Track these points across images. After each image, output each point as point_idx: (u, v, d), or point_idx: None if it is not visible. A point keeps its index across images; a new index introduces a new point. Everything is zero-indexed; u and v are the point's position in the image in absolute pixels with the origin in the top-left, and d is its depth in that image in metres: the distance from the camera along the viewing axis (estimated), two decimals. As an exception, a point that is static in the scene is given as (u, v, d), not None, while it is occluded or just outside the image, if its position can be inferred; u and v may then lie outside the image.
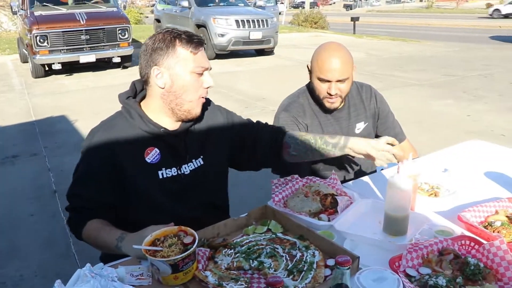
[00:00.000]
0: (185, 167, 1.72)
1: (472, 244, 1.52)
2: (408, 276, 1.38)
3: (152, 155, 1.66)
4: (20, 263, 3.08)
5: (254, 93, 8.06)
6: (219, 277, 1.35)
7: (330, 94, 2.14)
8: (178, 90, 1.61)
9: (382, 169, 2.27)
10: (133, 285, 1.30)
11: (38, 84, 9.06)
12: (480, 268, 1.39)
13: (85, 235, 1.63)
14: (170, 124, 1.70)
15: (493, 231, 1.64)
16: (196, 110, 1.66)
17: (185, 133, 1.73)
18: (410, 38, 16.98)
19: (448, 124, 6.04)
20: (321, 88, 2.13)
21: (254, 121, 1.99)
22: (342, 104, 2.30)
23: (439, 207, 1.87)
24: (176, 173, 1.70)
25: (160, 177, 1.67)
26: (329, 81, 2.09)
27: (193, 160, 1.75)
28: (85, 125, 5.83)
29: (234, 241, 1.55)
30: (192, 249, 1.33)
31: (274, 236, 1.58)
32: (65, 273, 3.05)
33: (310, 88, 2.30)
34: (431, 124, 6.03)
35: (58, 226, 3.51)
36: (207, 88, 1.65)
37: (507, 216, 1.73)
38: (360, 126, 2.35)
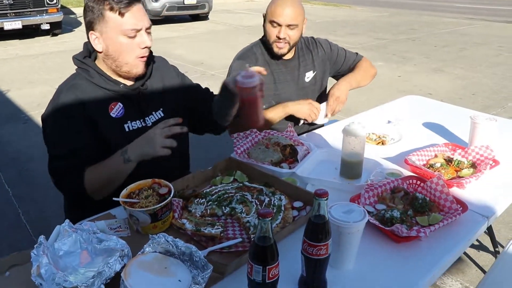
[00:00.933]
0: (147, 119, 1.77)
1: (418, 182, 1.70)
2: (367, 212, 1.52)
3: (116, 109, 1.69)
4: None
5: (192, 58, 8.00)
6: (195, 223, 1.42)
7: (279, 38, 2.26)
8: (113, 53, 1.63)
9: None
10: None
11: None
12: (426, 202, 1.57)
13: (88, 182, 1.59)
14: (126, 80, 1.74)
15: (434, 171, 1.82)
16: (137, 70, 1.68)
17: (143, 87, 1.76)
18: (341, 3, 17.32)
19: (382, 85, 6.35)
20: (272, 32, 2.25)
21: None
22: (292, 55, 2.44)
23: (386, 154, 2.03)
24: (141, 125, 1.74)
25: (126, 130, 1.70)
26: (279, 25, 2.22)
27: (154, 112, 1.80)
28: (20, 94, 5.56)
29: (204, 191, 1.62)
30: (169, 198, 1.38)
31: (241, 184, 1.67)
32: (18, 244, 3.04)
33: (263, 40, 2.41)
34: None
35: (3, 197, 3.40)
36: (144, 48, 1.65)
37: (444, 159, 1.93)
38: (309, 75, 2.50)
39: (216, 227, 1.40)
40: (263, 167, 1.77)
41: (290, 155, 1.90)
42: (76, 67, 1.72)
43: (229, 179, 1.71)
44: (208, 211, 1.51)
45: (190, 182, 1.68)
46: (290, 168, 1.81)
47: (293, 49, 2.40)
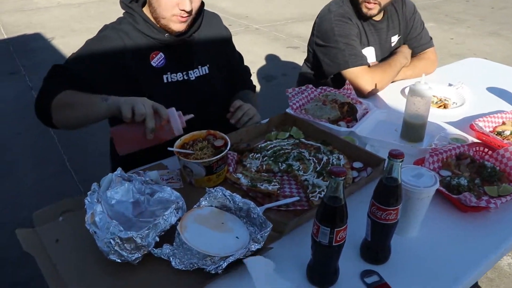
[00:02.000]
0: (191, 73, 1.69)
1: (486, 150, 1.58)
2: (434, 177, 1.42)
3: (157, 59, 1.61)
4: (14, 183, 3.03)
5: (236, 12, 7.81)
6: (251, 178, 1.36)
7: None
8: (154, 3, 1.57)
9: None
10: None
11: (3, 0, 8.51)
12: (496, 171, 1.45)
13: (57, 102, 1.40)
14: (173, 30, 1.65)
15: (503, 139, 1.68)
16: (174, 27, 1.59)
17: (190, 40, 1.67)
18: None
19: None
20: None
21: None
22: (382, 16, 2.25)
23: (449, 118, 1.89)
24: (182, 78, 1.66)
25: (165, 81, 1.63)
26: None
27: (200, 67, 1.71)
28: (63, 42, 5.58)
29: (259, 146, 1.54)
30: (226, 151, 1.32)
31: (297, 141, 1.58)
32: (63, 191, 3.08)
33: None
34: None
35: (49, 143, 3.43)
36: (182, 10, 1.54)
37: (513, 127, 1.78)
38: (394, 39, 2.33)
39: (273, 183, 1.33)
40: (320, 124, 1.68)
41: (348, 113, 1.79)
42: (123, 11, 1.65)
43: (285, 135, 1.63)
44: (264, 166, 1.44)
45: (243, 136, 1.61)
46: (348, 127, 1.71)
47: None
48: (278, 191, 1.32)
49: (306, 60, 2.44)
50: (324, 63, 2.17)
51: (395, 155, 0.98)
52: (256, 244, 1.06)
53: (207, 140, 1.39)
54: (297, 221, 1.19)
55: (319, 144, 1.55)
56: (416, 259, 1.14)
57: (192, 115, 1.36)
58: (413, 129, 1.66)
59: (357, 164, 1.46)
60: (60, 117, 1.42)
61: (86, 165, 3.05)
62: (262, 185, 1.32)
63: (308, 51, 2.39)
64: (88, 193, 1.15)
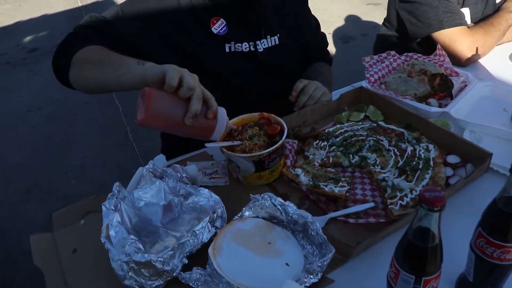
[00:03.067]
0: (259, 44, 1.39)
1: None
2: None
3: (219, 25, 1.33)
4: (79, 152, 2.97)
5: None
6: (313, 175, 1.08)
7: None
8: None
9: None
10: (207, 186, 1.05)
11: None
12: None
13: (81, 55, 1.17)
14: None
15: None
16: None
17: (257, 5, 1.37)
18: None
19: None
20: None
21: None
22: None
23: None
24: (248, 49, 1.37)
25: (227, 50, 1.34)
26: None
27: (269, 37, 1.41)
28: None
29: (326, 131, 1.25)
30: (281, 141, 1.04)
31: (374, 125, 1.27)
32: (124, 163, 3.00)
33: None
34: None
35: (114, 113, 3.34)
36: None
37: None
38: None
39: (340, 183, 1.04)
40: (404, 102, 1.34)
41: (441, 88, 1.43)
42: None
43: (359, 116, 1.32)
44: (331, 159, 1.15)
45: (307, 117, 1.32)
46: (440, 106, 1.35)
47: None
48: (347, 194, 1.03)
49: (385, 20, 2.05)
50: (410, 24, 1.79)
51: (429, 201, 0.62)
52: (312, 277, 0.79)
53: (259, 126, 1.12)
54: (370, 242, 0.90)
55: (402, 129, 1.23)
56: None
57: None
58: (529, 109, 1.28)
59: (453, 159, 1.13)
60: (80, 74, 1.16)
61: (148, 138, 2.91)
62: (326, 185, 1.03)
63: (389, 8, 2.00)
64: (108, 196, 0.94)
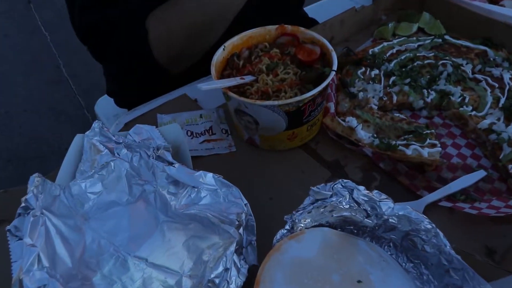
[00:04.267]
0: None
1: None
2: None
3: None
4: (3, 98, 2.36)
5: None
6: (376, 127, 0.64)
7: None
8: None
9: None
10: (198, 158, 0.60)
11: None
12: None
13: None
14: None
15: None
16: None
17: None
18: None
19: None
20: None
21: None
22: None
23: None
24: None
25: None
26: None
27: None
28: None
29: (370, 52, 0.79)
30: (332, 73, 0.59)
31: (439, 40, 0.83)
32: (59, 105, 2.44)
33: None
34: None
35: (40, 45, 2.69)
36: None
37: None
38: None
39: (429, 140, 0.62)
40: (472, 4, 0.90)
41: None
42: None
43: (410, 29, 0.87)
44: (394, 96, 0.71)
45: (336, 32, 0.85)
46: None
47: None
48: (440, 158, 0.61)
49: None
50: None
51: None
52: None
53: (279, 47, 0.66)
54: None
55: (482, 47, 0.80)
56: None
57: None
58: None
59: None
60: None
61: (88, 71, 2.34)
62: (407, 144, 0.61)
63: None
64: (22, 200, 0.47)
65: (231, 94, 0.56)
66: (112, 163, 0.54)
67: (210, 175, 0.51)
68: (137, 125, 0.59)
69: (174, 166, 0.53)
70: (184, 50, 0.78)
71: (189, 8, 0.74)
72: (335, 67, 0.59)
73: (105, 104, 1.31)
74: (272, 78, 0.60)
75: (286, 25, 0.67)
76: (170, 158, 0.55)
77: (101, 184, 0.54)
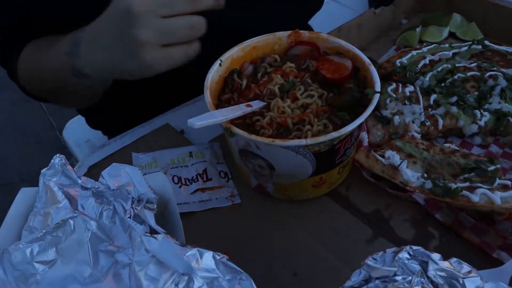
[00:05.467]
0: None
1: None
2: None
3: None
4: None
5: None
6: (425, 163, 0.48)
7: None
8: None
9: None
10: (192, 215, 0.44)
11: None
12: None
13: (23, 63, 0.72)
14: None
15: None
16: None
17: None
18: None
19: None
20: None
21: None
22: None
23: None
24: None
25: None
26: None
27: None
28: None
29: (398, 63, 0.64)
30: (376, 97, 0.43)
31: (479, 47, 0.68)
32: (27, 126, 2.28)
33: None
34: None
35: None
36: None
37: None
38: None
39: (498, 180, 0.46)
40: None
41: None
42: None
43: (441, 34, 0.72)
44: (440, 120, 0.55)
45: (353, 38, 0.67)
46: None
47: None
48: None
49: None
50: None
51: None
52: None
53: (293, 61, 0.50)
54: None
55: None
56: None
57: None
58: None
59: None
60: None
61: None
62: (472, 188, 0.45)
63: None
64: None
65: (236, 130, 0.40)
66: (71, 221, 0.37)
67: (208, 255, 0.34)
68: (114, 164, 0.42)
69: (156, 238, 0.36)
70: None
71: None
72: (378, 87, 0.43)
73: (75, 128, 1.15)
74: (290, 103, 0.44)
75: (301, 31, 0.51)
76: (152, 222, 0.39)
77: (55, 250, 0.37)
